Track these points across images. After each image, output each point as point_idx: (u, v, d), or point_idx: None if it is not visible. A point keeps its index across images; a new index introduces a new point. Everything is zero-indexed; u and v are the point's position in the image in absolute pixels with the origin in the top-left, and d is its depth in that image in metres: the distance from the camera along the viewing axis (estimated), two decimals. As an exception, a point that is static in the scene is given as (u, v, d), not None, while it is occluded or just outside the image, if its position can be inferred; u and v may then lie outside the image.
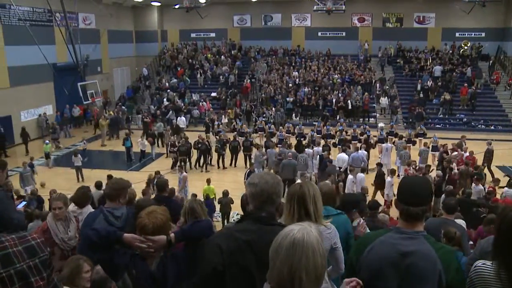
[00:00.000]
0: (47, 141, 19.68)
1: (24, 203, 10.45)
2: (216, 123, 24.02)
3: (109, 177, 11.60)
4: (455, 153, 15.83)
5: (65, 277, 3.03)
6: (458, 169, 13.87)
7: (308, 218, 2.73)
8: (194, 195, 11.52)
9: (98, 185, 10.19)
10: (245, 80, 29.33)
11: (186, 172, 15.09)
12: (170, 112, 25.96)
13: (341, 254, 3.17)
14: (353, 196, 5.23)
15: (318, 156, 15.79)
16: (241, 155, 18.82)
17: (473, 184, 12.37)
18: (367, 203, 6.62)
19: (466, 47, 30.32)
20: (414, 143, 19.28)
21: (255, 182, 2.34)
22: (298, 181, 14.26)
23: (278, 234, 1.65)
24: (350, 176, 13.71)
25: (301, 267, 1.55)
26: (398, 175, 15.33)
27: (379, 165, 14.76)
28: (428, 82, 27.52)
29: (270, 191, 2.32)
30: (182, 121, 24.32)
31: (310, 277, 1.56)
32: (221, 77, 30.37)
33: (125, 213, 3.91)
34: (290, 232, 1.61)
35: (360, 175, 13.55)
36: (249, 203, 2.37)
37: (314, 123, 22.89)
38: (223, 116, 25.39)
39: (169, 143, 19.12)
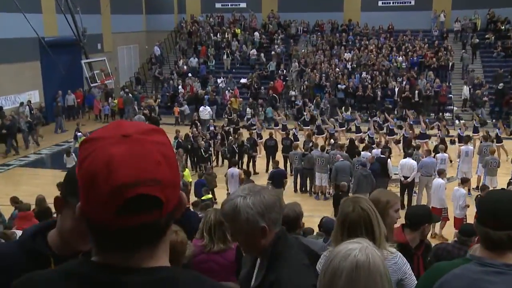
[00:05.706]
0: (79, 133, 19.41)
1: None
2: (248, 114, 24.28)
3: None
4: None
5: None
6: None
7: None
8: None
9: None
10: (277, 73, 29.01)
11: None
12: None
13: (412, 280, 3.17)
14: (422, 208, 5.04)
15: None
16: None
17: None
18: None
19: None
20: (500, 141, 18.40)
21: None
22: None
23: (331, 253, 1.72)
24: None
25: None
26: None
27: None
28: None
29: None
30: (207, 112, 24.29)
31: None
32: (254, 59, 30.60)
33: None
34: (350, 252, 1.62)
35: (439, 181, 12.80)
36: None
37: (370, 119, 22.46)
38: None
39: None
